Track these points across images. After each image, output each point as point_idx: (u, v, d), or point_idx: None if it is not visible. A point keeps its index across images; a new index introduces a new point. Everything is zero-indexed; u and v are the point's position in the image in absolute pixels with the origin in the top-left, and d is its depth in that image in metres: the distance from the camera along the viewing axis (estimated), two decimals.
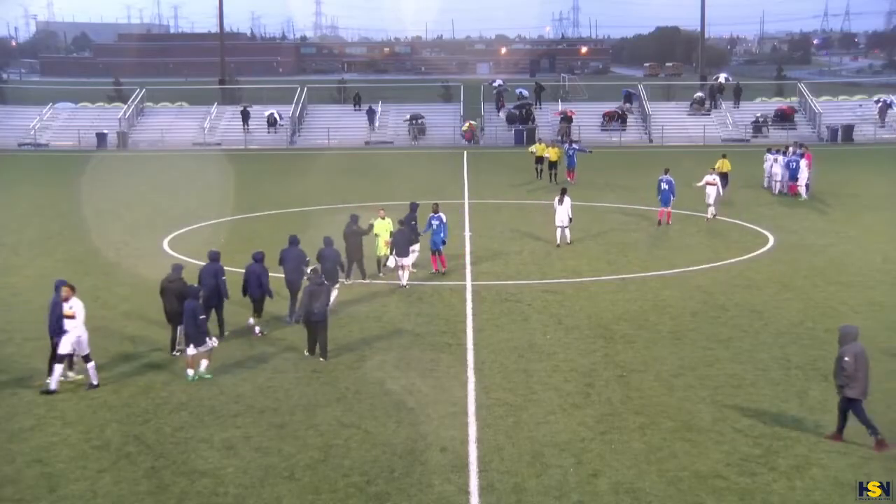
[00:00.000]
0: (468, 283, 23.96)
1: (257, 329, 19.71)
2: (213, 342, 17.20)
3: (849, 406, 13.84)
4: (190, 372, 16.96)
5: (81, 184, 42.93)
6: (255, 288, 19.48)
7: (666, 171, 32.20)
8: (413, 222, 24.61)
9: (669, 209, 31.89)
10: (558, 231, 28.28)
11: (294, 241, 20.92)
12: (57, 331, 16.45)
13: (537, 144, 44.71)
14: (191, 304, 17.01)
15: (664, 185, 31.70)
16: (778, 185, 38.74)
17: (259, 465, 13.38)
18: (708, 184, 32.51)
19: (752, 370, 17.12)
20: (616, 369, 17.24)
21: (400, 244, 23.22)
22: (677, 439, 14.08)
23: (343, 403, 15.67)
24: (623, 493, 12.40)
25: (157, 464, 13.44)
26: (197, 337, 16.85)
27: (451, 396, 15.88)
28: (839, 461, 13.28)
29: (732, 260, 26.49)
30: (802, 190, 37.32)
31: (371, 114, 65.41)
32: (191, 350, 16.94)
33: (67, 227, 33.27)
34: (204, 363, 17.04)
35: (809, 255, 26.98)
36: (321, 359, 17.90)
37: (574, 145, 43.15)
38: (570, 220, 28.20)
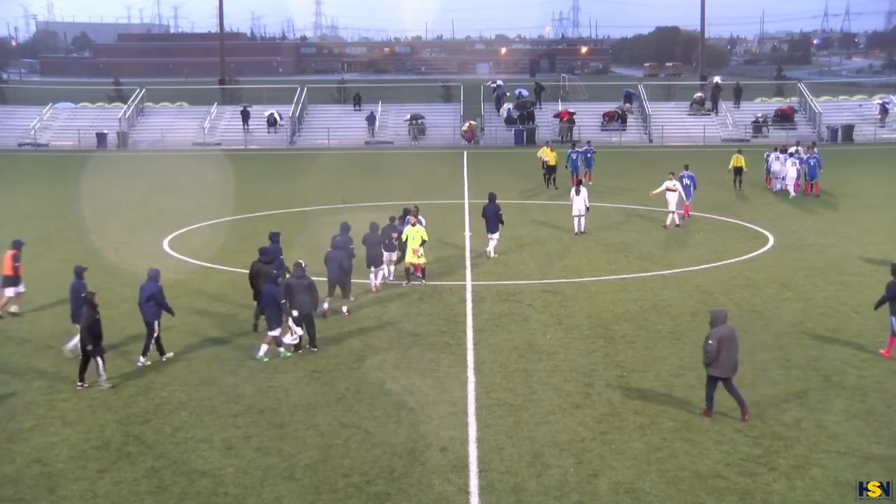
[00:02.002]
0: (468, 283, 23.96)
1: (344, 308, 21.10)
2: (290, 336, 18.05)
3: (716, 383, 14.77)
4: (263, 349, 17.94)
5: (81, 184, 42.95)
6: (337, 272, 20.74)
7: (686, 168, 33.50)
8: (499, 211, 26.09)
9: (688, 203, 32.91)
10: (575, 220, 29.83)
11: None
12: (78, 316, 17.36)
13: (543, 148, 43.37)
14: (271, 289, 17.89)
15: (686, 181, 32.67)
16: (778, 183, 39.15)
17: (259, 465, 13.38)
18: (668, 190, 31.45)
19: (752, 370, 17.08)
20: (616, 369, 17.24)
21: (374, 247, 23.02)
22: (677, 439, 14.08)
23: (343, 403, 15.67)
24: (623, 493, 12.41)
25: (157, 464, 13.44)
26: (277, 319, 17.76)
27: (451, 396, 15.88)
28: (839, 461, 13.28)
29: (732, 260, 26.49)
30: (790, 188, 37.96)
31: (371, 119, 65.14)
32: (273, 332, 17.79)
33: (67, 227, 33.27)
34: (263, 347, 17.96)
35: (809, 255, 26.98)
36: (313, 349, 18.36)
37: (577, 149, 42.37)
38: (587, 209, 29.80)
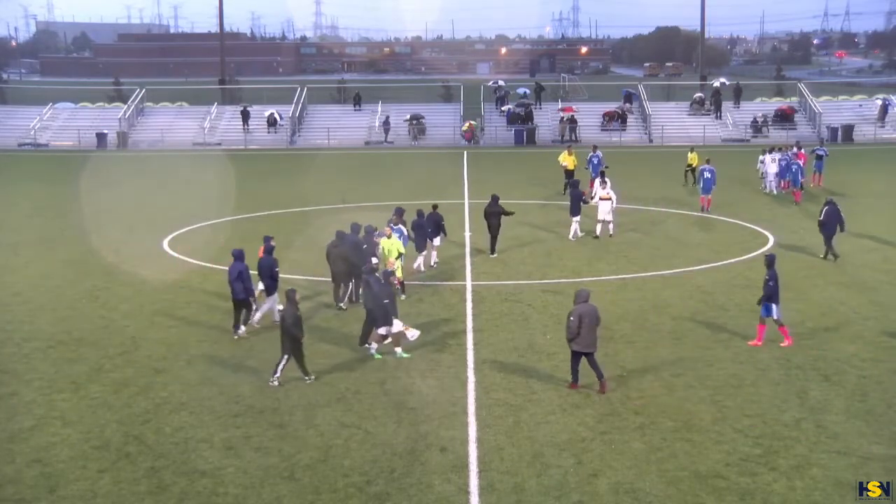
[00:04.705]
0: (468, 283, 23.96)
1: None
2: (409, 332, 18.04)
3: (579, 358, 15.96)
4: (374, 347, 18.07)
5: (81, 184, 42.95)
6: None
7: (707, 161, 34.79)
8: (583, 196, 28.92)
9: (710, 197, 33.89)
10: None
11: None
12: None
13: (563, 153, 41.24)
14: (381, 289, 18.13)
15: (707, 175, 33.87)
16: (771, 182, 39.57)
17: (259, 465, 13.38)
18: (602, 199, 30.13)
19: (752, 370, 17.11)
20: (616, 369, 17.23)
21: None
22: (677, 439, 14.08)
23: (343, 403, 15.67)
24: (623, 493, 12.40)
25: (157, 464, 13.44)
26: (384, 318, 17.76)
27: (451, 396, 15.88)
28: (839, 461, 13.28)
29: (732, 260, 26.49)
30: (771, 186, 38.93)
31: (386, 123, 63.90)
32: (381, 331, 17.82)
33: (68, 227, 33.26)
34: (374, 345, 18.05)
35: (809, 255, 26.97)
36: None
37: (596, 152, 41.24)
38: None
